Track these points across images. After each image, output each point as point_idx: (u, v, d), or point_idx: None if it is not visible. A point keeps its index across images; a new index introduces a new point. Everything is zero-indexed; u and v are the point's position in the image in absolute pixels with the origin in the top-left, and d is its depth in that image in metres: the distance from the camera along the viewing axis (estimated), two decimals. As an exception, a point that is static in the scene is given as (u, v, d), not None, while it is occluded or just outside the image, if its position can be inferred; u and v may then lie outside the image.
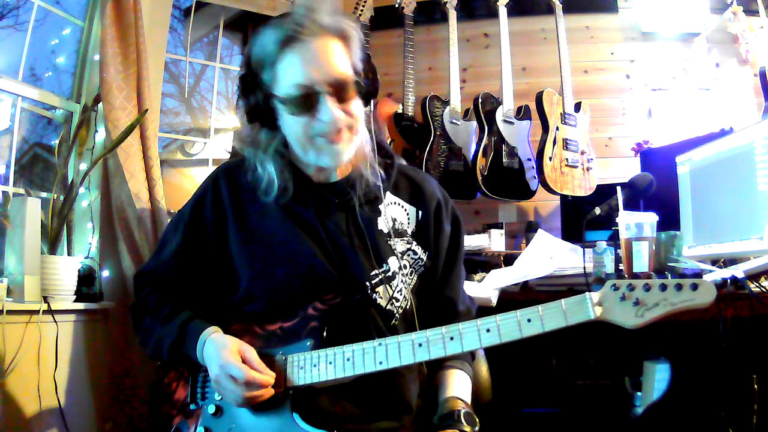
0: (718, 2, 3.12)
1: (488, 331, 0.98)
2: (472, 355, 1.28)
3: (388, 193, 1.23)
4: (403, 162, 1.30)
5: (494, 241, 2.68)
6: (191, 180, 3.72)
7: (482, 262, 2.53)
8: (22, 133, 2.57)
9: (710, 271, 1.54)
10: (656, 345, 1.95)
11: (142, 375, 2.15)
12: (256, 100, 1.12)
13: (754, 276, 1.46)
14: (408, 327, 1.16)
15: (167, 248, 1.23)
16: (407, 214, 1.24)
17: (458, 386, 1.17)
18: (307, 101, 1.08)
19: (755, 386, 1.50)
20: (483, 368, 1.40)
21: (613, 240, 1.76)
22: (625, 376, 2.29)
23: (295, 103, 1.08)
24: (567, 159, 2.87)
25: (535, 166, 2.87)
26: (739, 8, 3.02)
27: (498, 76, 2.91)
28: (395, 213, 1.22)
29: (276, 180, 1.15)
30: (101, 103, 2.27)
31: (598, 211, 1.76)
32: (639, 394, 2.19)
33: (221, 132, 3.35)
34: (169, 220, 2.23)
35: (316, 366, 1.05)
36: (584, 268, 1.74)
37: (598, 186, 2.90)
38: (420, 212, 1.24)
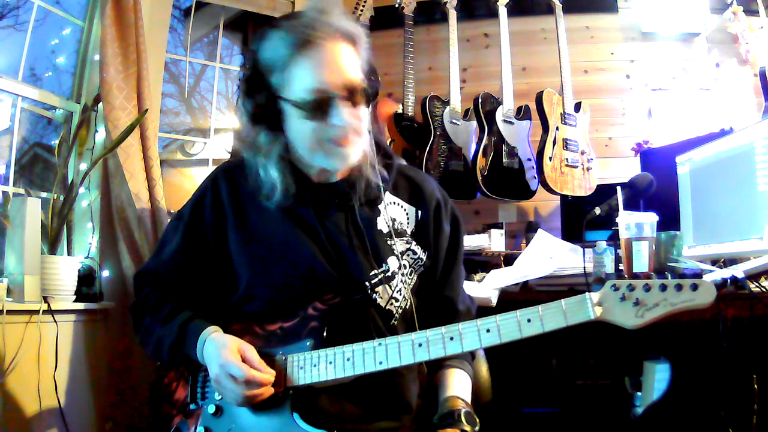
0: (718, 2, 3.12)
1: (488, 331, 0.98)
2: (472, 354, 1.28)
3: (387, 193, 1.23)
4: (403, 162, 1.30)
5: (494, 241, 2.69)
6: (191, 180, 3.73)
7: (482, 262, 2.53)
8: (22, 133, 2.57)
9: (710, 271, 1.54)
10: (656, 345, 1.95)
11: (142, 375, 2.15)
12: (263, 102, 1.11)
13: (754, 276, 1.47)
14: (407, 327, 1.17)
15: (167, 248, 1.23)
16: (407, 214, 1.24)
17: (458, 385, 1.17)
18: (320, 106, 1.07)
19: (755, 386, 1.49)
20: (483, 368, 1.40)
21: (613, 240, 1.76)
22: (625, 376, 2.29)
23: (307, 107, 1.07)
24: (567, 159, 2.87)
25: (535, 166, 2.87)
26: (739, 8, 3.02)
27: (498, 76, 2.91)
28: (395, 213, 1.22)
29: (279, 185, 1.15)
30: (101, 103, 2.27)
31: (598, 211, 1.76)
32: (639, 394, 2.19)
33: (221, 132, 3.35)
34: (169, 220, 2.23)
35: (316, 366, 1.05)
36: (584, 268, 1.74)
37: (598, 186, 2.89)
38: (419, 212, 1.24)
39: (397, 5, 2.94)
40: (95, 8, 2.46)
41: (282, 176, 1.15)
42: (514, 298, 1.99)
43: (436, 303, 1.24)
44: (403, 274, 1.18)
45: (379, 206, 1.21)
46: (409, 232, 1.22)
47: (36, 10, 2.33)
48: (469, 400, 1.15)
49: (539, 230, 2.26)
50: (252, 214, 1.19)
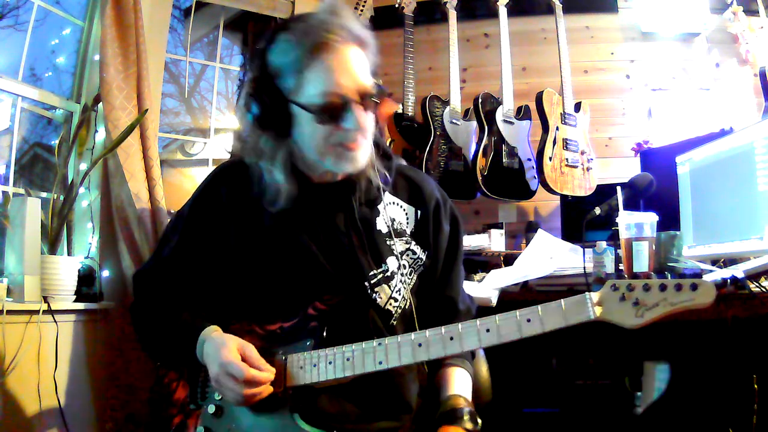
0: (718, 2, 3.12)
1: (488, 331, 0.98)
2: (472, 354, 1.28)
3: (386, 193, 1.22)
4: (402, 162, 1.30)
5: (494, 241, 2.68)
6: (191, 180, 3.72)
7: (482, 262, 2.52)
8: (22, 133, 2.57)
9: (710, 271, 1.54)
10: (656, 345, 1.95)
11: (142, 375, 2.15)
12: (271, 106, 1.09)
13: (754, 276, 1.47)
14: (407, 327, 1.16)
15: (167, 248, 1.23)
16: (406, 214, 1.24)
17: (460, 384, 1.17)
18: (334, 109, 1.06)
19: (755, 386, 1.50)
20: (483, 368, 1.40)
21: (613, 240, 1.76)
22: (625, 376, 2.29)
23: (320, 111, 1.06)
24: (567, 159, 2.86)
25: (535, 166, 2.87)
26: (739, 8, 3.01)
27: (498, 76, 2.91)
28: (394, 213, 1.22)
29: (284, 189, 1.13)
30: (101, 103, 2.27)
31: (598, 211, 1.76)
32: (639, 394, 2.19)
33: (221, 132, 3.34)
34: (169, 220, 2.23)
35: (316, 366, 1.05)
36: (584, 268, 1.74)
37: (598, 186, 2.89)
38: (419, 212, 1.24)
39: (397, 5, 2.94)
40: (95, 8, 2.47)
41: (287, 181, 1.13)
42: (514, 298, 1.99)
43: (436, 303, 1.23)
44: (402, 274, 1.18)
45: (379, 206, 1.21)
46: (408, 232, 1.22)
47: (36, 10, 2.33)
48: (470, 399, 1.15)
49: (539, 230, 2.26)
50: (252, 213, 1.19)
